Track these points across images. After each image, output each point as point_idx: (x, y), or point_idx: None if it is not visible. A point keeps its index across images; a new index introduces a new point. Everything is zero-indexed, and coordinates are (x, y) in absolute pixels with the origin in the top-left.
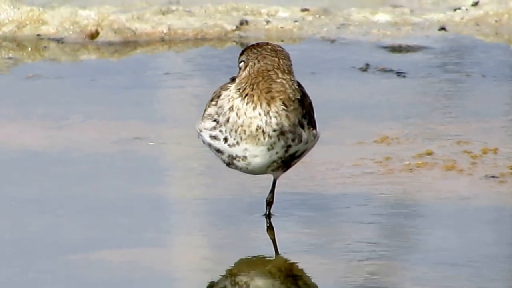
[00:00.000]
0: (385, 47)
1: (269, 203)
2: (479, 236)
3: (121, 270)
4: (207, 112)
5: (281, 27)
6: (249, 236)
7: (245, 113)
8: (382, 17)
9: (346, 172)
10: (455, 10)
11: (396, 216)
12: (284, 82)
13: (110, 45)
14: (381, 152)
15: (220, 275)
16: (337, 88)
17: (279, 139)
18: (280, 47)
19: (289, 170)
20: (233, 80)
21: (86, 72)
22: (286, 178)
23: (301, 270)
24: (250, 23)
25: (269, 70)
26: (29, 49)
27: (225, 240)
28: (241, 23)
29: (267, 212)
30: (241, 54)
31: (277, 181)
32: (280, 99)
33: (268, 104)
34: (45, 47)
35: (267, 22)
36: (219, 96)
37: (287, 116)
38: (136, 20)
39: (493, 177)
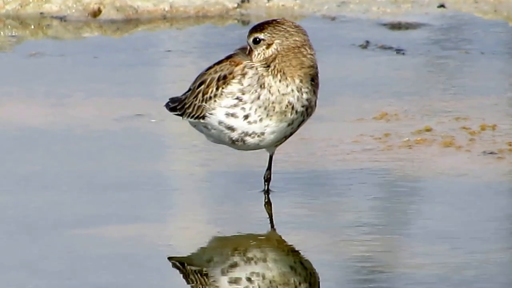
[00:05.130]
0: (385, 25)
1: (267, 179)
2: (477, 212)
3: (123, 246)
4: (227, 90)
5: (282, 5)
6: (248, 212)
7: (278, 90)
8: None
9: (345, 149)
10: None
11: (395, 192)
12: (312, 57)
13: (112, 23)
14: (380, 128)
15: (219, 250)
16: (337, 65)
17: (301, 115)
18: (299, 24)
19: (289, 147)
20: (229, 57)
21: (88, 50)
22: (286, 155)
23: (299, 245)
24: (251, 1)
25: (299, 47)
26: (32, 27)
27: (224, 215)
28: (242, 1)
29: (266, 188)
30: (256, 31)
31: (276, 157)
32: (310, 74)
33: (301, 81)
34: (48, 25)
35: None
36: (244, 74)
37: (314, 91)
38: None
39: (491, 153)
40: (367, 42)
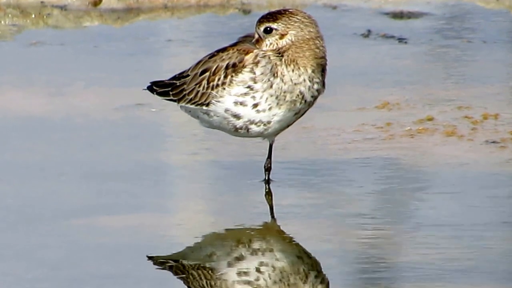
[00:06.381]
0: (387, 14)
1: (268, 169)
2: (479, 201)
3: (123, 235)
4: (238, 79)
5: None
6: (248, 201)
7: (291, 80)
8: None
9: (347, 138)
10: None
11: (396, 181)
12: (324, 49)
13: (113, 12)
14: (382, 117)
15: (219, 240)
16: (338, 54)
17: (308, 105)
18: (310, 15)
19: (290, 136)
20: (233, 45)
21: (89, 39)
22: (288, 144)
23: (300, 235)
24: None
25: (313, 38)
26: (33, 16)
27: (225, 205)
28: None
29: (266, 178)
30: (268, 21)
31: (278, 146)
32: (321, 65)
33: (313, 71)
34: (49, 14)
35: None
36: (257, 63)
37: (323, 82)
38: None
39: (493, 142)
40: (369, 31)
